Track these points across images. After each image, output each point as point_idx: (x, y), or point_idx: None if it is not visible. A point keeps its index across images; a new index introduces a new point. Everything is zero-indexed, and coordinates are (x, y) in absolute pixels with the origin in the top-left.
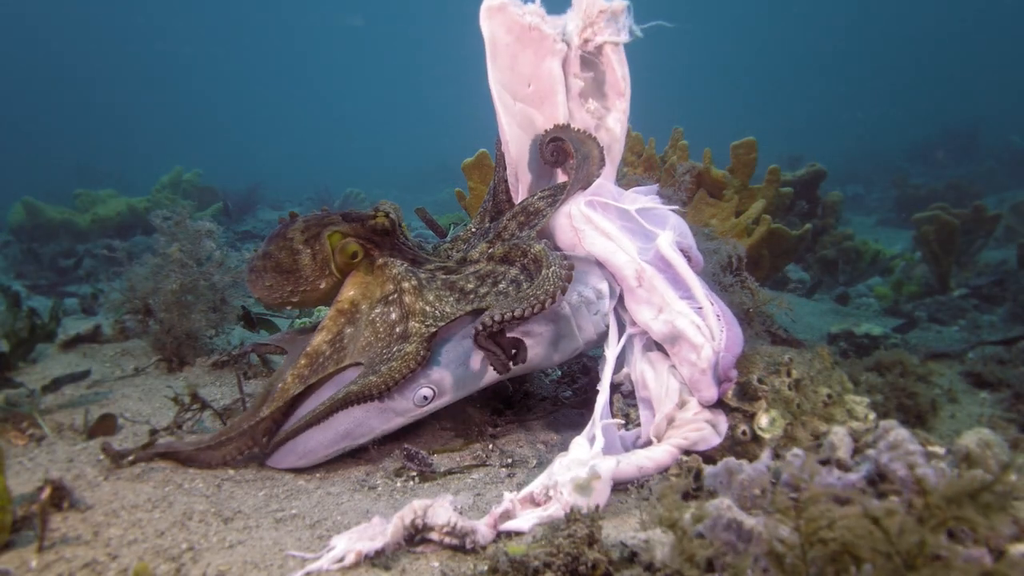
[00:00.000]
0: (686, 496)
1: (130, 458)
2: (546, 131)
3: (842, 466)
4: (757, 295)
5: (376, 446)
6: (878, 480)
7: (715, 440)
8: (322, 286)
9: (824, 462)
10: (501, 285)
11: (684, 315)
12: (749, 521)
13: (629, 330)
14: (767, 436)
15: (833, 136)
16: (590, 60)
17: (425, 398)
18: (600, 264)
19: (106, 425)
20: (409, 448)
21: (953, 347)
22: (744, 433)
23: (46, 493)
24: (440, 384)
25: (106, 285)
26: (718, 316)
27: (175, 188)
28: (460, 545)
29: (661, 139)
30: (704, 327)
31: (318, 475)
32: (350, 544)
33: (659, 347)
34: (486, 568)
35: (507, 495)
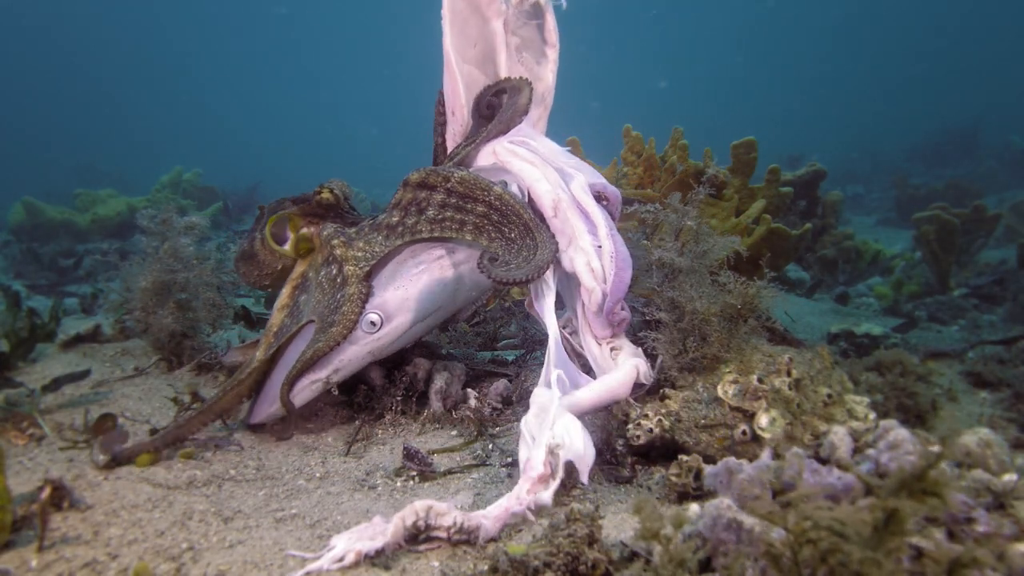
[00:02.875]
0: (685, 496)
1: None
2: (487, 87)
3: (842, 466)
4: (748, 292)
5: (376, 447)
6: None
7: (649, 377)
8: (279, 267)
9: (824, 462)
10: (429, 212)
11: (584, 253)
12: (749, 521)
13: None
14: (767, 436)
15: (833, 136)
16: (525, 16)
17: (373, 323)
18: (505, 171)
19: (106, 425)
20: (409, 447)
21: (953, 347)
22: (744, 433)
23: (46, 493)
24: (384, 308)
25: (105, 285)
26: (612, 257)
27: (175, 188)
28: (467, 540)
29: (661, 139)
30: (599, 269)
31: (318, 475)
32: (349, 544)
33: None
34: (486, 568)
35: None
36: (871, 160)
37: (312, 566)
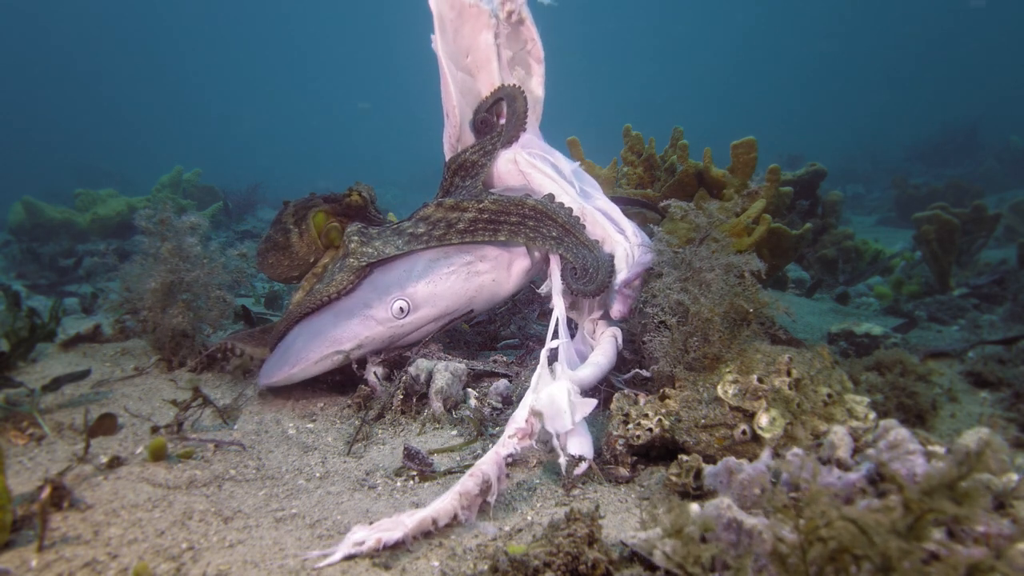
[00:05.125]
0: (685, 495)
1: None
2: (484, 98)
3: (842, 465)
4: (757, 298)
5: (376, 447)
6: (879, 479)
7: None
8: (312, 260)
9: (824, 461)
10: (459, 226)
11: (621, 245)
12: (749, 521)
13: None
14: (767, 436)
15: (833, 135)
16: (515, 31)
17: (402, 310)
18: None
19: (106, 425)
20: (409, 447)
21: (953, 347)
22: (744, 433)
23: (46, 492)
24: (413, 298)
25: (105, 285)
26: (639, 244)
27: (175, 188)
28: (487, 492)
29: (661, 139)
30: (630, 256)
31: (318, 475)
32: (370, 532)
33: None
34: (486, 568)
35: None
36: (871, 160)
37: (332, 558)
